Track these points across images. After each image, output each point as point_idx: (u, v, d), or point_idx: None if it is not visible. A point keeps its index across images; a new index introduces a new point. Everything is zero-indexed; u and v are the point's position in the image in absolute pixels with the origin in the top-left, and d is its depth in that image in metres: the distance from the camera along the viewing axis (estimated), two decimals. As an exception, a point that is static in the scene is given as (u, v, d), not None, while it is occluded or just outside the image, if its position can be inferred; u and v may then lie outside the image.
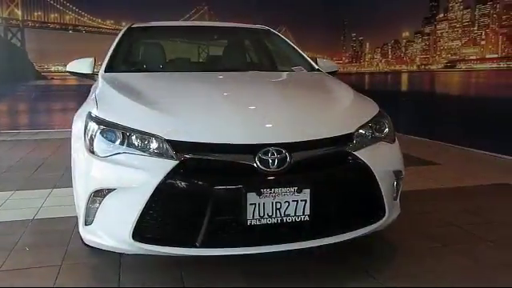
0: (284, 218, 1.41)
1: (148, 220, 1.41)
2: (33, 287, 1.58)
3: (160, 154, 1.43)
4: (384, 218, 1.62)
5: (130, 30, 2.70)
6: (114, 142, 1.50)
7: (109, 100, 1.74)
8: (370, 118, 1.72)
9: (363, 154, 1.57)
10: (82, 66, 2.36)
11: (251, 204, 1.37)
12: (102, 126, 1.54)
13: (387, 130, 1.74)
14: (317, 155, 1.49)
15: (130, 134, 1.49)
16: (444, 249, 1.87)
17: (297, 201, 1.41)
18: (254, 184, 1.39)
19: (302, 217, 1.42)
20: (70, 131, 1.79)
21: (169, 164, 1.40)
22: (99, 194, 1.47)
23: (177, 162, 1.40)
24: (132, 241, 1.43)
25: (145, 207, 1.39)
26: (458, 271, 1.66)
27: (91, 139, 1.54)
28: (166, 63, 2.68)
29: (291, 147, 1.44)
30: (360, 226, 1.56)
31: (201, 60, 3.29)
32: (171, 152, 1.42)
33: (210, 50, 3.26)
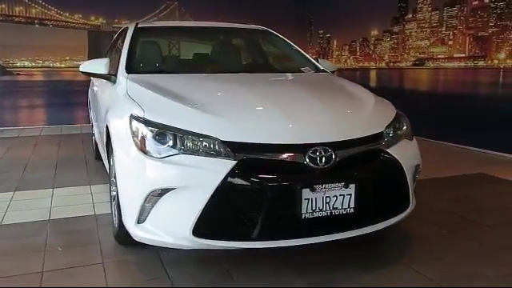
0: (332, 211, 1.58)
1: (208, 217, 1.51)
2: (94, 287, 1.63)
3: (218, 154, 1.55)
4: (409, 209, 1.85)
5: (138, 29, 2.71)
6: (169, 143, 1.59)
7: (152, 102, 1.80)
8: (393, 117, 1.93)
9: (393, 150, 1.78)
10: (97, 66, 2.41)
11: (305, 199, 1.53)
12: (154, 129, 1.62)
13: (406, 127, 1.96)
14: (357, 153, 1.67)
15: (185, 136, 1.59)
16: (451, 235, 2.12)
17: (344, 195, 1.58)
18: (307, 181, 1.54)
19: (348, 209, 1.60)
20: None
21: (229, 164, 1.52)
22: (156, 194, 1.56)
23: (235, 161, 1.52)
24: (192, 237, 1.54)
25: (206, 205, 1.50)
26: (471, 254, 1.91)
27: (143, 141, 1.62)
28: (186, 64, 2.74)
29: (335, 146, 1.61)
30: (391, 215, 1.77)
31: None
32: (229, 152, 1.53)
33: (220, 49, 3.31)
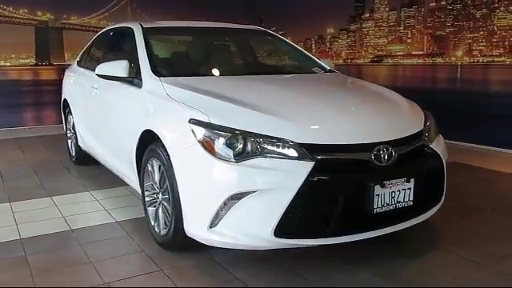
0: (396, 205, 1.78)
1: (289, 217, 1.63)
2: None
3: (296, 156, 1.66)
4: (442, 199, 2.10)
5: (147, 30, 2.68)
6: (244, 147, 1.68)
7: (210, 106, 1.86)
8: (424, 115, 2.18)
9: (435, 146, 2.05)
10: (116, 69, 2.39)
11: (376, 195, 1.72)
12: (226, 133, 1.70)
13: (433, 124, 2.22)
14: (410, 149, 1.89)
15: (259, 140, 1.68)
16: (464, 220, 2.41)
17: (405, 189, 1.79)
18: (378, 177, 1.73)
19: (408, 202, 1.82)
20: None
21: (308, 165, 1.65)
22: (235, 197, 1.64)
23: (313, 162, 1.65)
24: (273, 237, 1.64)
25: (289, 206, 1.61)
26: (491, 236, 2.22)
27: (215, 146, 1.69)
28: (212, 66, 2.81)
29: (394, 144, 1.81)
30: (433, 205, 2.03)
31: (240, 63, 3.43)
32: (306, 154, 1.66)
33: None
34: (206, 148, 1.71)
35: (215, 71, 2.71)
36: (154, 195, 2.12)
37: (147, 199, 2.18)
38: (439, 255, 1.99)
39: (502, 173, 3.44)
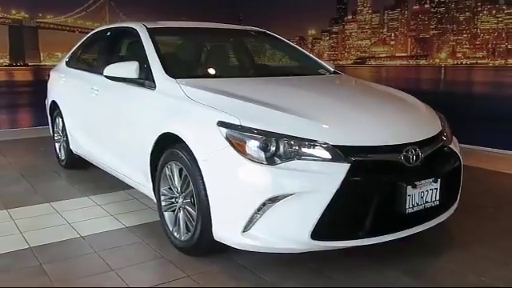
0: (425, 205, 1.85)
1: (326, 219, 1.67)
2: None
3: (331, 158, 1.70)
4: (458, 198, 2.19)
5: (152, 30, 2.68)
6: (279, 150, 1.70)
7: (239, 108, 1.87)
8: (439, 117, 2.27)
9: (454, 146, 2.14)
10: (126, 71, 2.38)
11: (408, 195, 1.78)
12: (260, 136, 1.72)
13: (447, 125, 2.30)
14: (433, 150, 1.97)
15: (294, 142, 1.71)
16: (473, 217, 2.52)
17: (433, 189, 1.87)
18: (409, 178, 1.79)
19: (435, 202, 1.89)
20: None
21: (345, 167, 1.69)
22: (270, 200, 1.66)
23: (349, 164, 1.69)
24: (310, 240, 1.68)
25: (326, 208, 1.65)
26: (496, 231, 2.34)
27: (248, 149, 1.71)
28: (224, 67, 2.84)
29: (419, 144, 1.88)
30: (452, 204, 2.11)
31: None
32: (341, 156, 1.70)
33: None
34: (239, 151, 1.73)
35: (227, 73, 2.72)
36: (173, 200, 2.12)
37: (163, 204, 2.17)
38: (458, 253, 2.08)
39: (488, 170, 3.59)
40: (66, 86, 3.60)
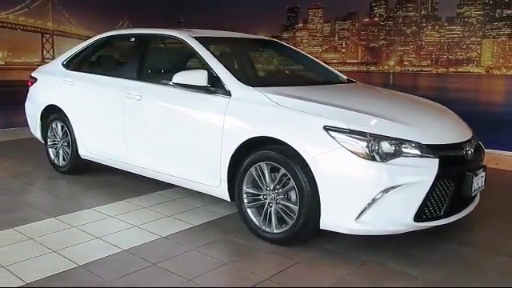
0: (477, 189, 2.42)
1: (425, 204, 2.15)
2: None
3: (425, 155, 2.16)
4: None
5: (202, 40, 2.87)
6: (387, 149, 2.11)
7: (340, 114, 2.23)
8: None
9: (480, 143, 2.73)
10: (196, 79, 2.59)
11: (473, 182, 2.32)
12: (368, 138, 2.11)
13: None
14: (475, 145, 2.54)
15: (397, 142, 2.13)
16: (482, 216, 2.78)
17: (482, 177, 2.44)
18: (472, 169, 2.36)
19: (482, 187, 2.47)
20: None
21: (436, 161, 2.17)
22: (383, 191, 2.06)
23: (438, 159, 2.18)
24: (413, 222, 2.14)
25: (426, 195, 2.12)
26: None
27: (361, 149, 2.08)
28: (283, 75, 3.22)
29: (470, 141, 2.46)
30: (475, 197, 2.57)
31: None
32: (432, 153, 2.18)
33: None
34: (351, 151, 2.09)
35: (286, 81, 3.09)
36: (259, 197, 2.39)
37: (246, 201, 2.44)
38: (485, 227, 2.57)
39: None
40: (77, 89, 3.44)
